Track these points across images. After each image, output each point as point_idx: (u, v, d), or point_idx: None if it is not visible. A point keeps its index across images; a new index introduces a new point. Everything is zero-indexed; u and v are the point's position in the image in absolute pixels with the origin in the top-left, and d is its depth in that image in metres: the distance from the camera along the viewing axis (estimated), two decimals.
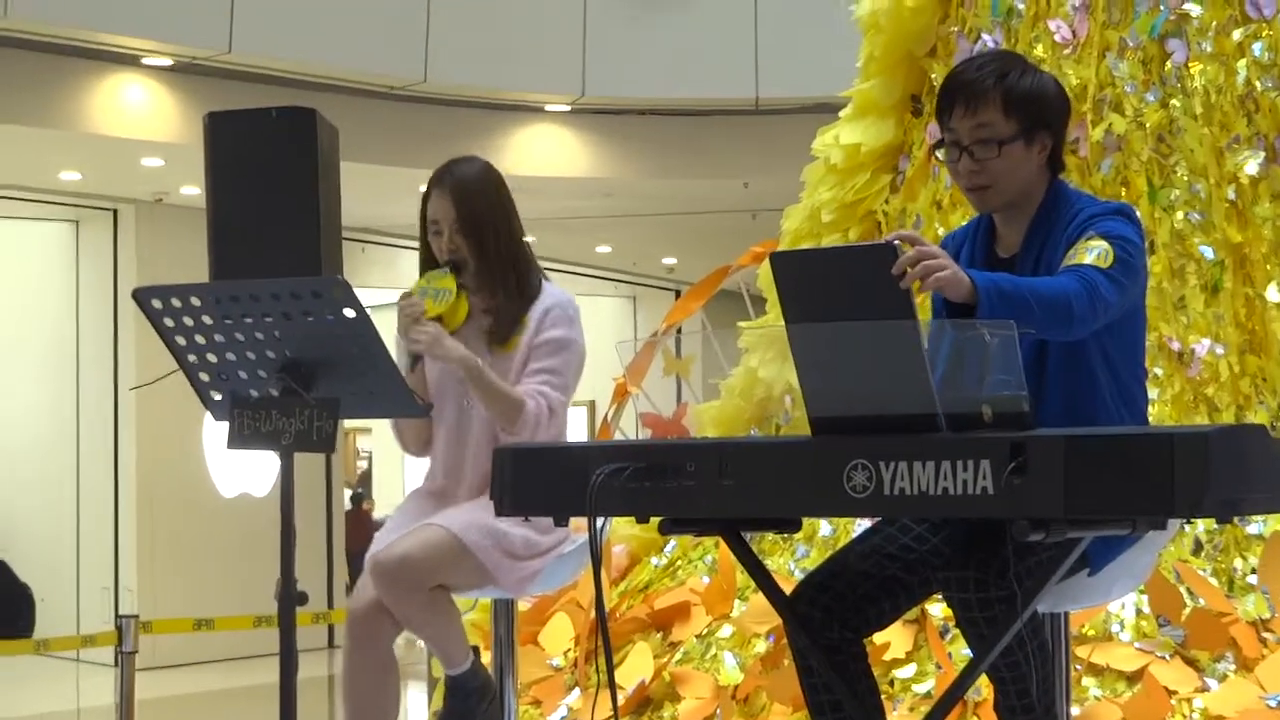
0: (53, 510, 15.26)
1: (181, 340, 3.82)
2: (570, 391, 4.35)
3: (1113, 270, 3.29)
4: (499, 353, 4.33)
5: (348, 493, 23.77)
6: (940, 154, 3.56)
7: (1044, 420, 3.21)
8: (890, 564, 3.47)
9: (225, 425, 3.85)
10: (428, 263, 4.37)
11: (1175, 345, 5.78)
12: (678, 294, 19.02)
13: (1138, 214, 3.52)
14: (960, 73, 3.53)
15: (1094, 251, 3.31)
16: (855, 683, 3.41)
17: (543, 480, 3.30)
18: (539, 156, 13.84)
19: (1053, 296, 3.19)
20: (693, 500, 3.12)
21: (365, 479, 27.18)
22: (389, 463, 26.85)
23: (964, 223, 6.17)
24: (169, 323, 3.80)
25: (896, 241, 3.05)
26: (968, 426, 2.92)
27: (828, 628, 3.40)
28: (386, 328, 4.01)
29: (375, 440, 27.52)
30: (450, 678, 4.23)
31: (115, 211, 14.71)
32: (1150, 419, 3.99)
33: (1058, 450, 2.78)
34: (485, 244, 4.32)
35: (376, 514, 24.00)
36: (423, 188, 4.39)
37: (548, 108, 13.67)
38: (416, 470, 4.52)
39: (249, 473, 14.03)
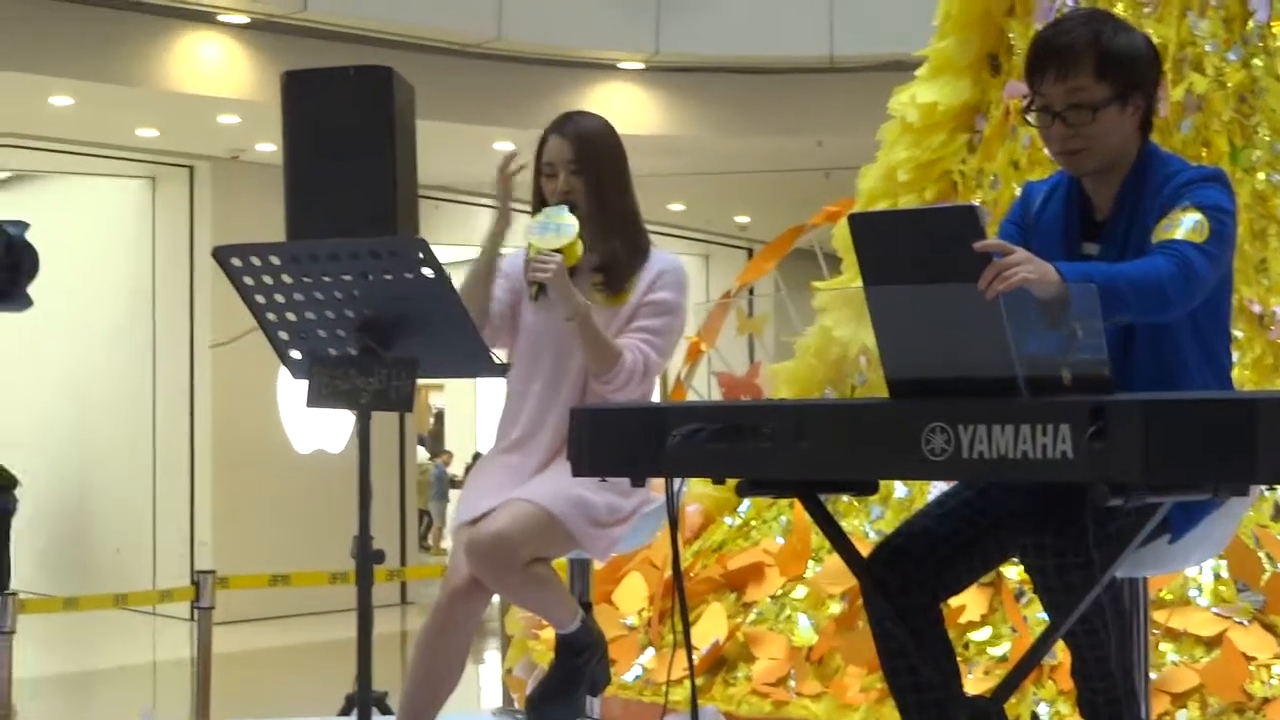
0: (130, 465, 15.42)
1: (261, 299, 3.83)
2: (668, 355, 4.35)
3: (1207, 244, 3.22)
4: (604, 304, 4.31)
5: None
6: (1031, 118, 3.48)
7: (1131, 386, 3.17)
8: (968, 528, 3.44)
9: (304, 384, 3.87)
10: (539, 207, 4.32)
11: (1256, 308, 5.72)
12: (750, 252, 19.00)
13: (1229, 178, 3.45)
14: (1050, 36, 3.42)
15: (1188, 224, 3.24)
16: (932, 646, 3.39)
17: (620, 441, 3.29)
18: (612, 114, 13.61)
19: (1146, 283, 3.13)
20: (769, 462, 3.10)
21: (438, 436, 27.36)
22: (461, 418, 27.01)
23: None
24: (248, 281, 3.81)
25: (978, 204, 3.02)
26: (1047, 390, 2.90)
27: (905, 591, 3.37)
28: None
29: (447, 397, 27.69)
30: (560, 636, 4.25)
31: (191, 168, 14.81)
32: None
33: (1138, 414, 2.74)
34: (603, 189, 4.34)
35: (450, 469, 24.21)
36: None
37: (621, 65, 13.64)
38: (490, 425, 4.49)
39: (324, 429, 14.13)
